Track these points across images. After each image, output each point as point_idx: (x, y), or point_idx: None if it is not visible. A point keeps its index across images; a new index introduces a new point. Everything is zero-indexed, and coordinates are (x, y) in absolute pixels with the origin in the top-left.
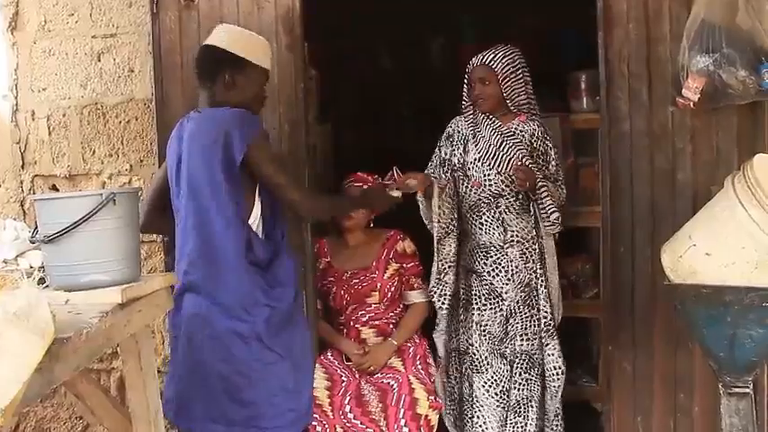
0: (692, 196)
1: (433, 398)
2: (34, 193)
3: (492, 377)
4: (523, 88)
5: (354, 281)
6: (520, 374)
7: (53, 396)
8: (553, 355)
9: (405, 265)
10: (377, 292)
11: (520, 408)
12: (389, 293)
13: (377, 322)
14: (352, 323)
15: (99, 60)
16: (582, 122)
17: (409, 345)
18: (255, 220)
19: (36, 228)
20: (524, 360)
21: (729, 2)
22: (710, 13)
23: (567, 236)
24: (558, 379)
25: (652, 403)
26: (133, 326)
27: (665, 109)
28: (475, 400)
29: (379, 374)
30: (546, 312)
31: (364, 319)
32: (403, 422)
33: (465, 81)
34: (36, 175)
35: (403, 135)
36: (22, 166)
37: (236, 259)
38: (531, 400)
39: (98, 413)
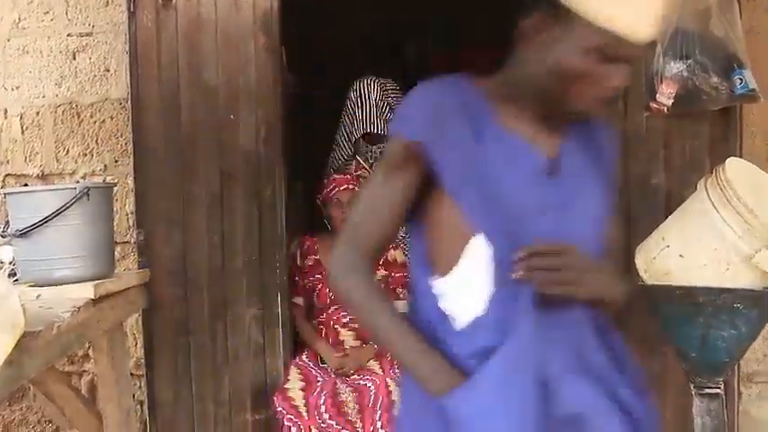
0: (665, 200)
1: None
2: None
3: None
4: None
5: None
6: None
7: (22, 399)
8: None
9: (393, 274)
10: None
11: None
12: None
13: (356, 325)
14: (332, 323)
15: (74, 59)
16: None
17: None
18: None
19: (7, 222)
20: None
21: (703, 9)
22: (684, 19)
23: None
24: None
25: None
26: (106, 322)
27: (640, 114)
28: None
29: (356, 375)
30: None
31: (345, 321)
32: (379, 424)
33: None
34: (8, 175)
35: None
36: None
37: None
38: None
39: (68, 414)
